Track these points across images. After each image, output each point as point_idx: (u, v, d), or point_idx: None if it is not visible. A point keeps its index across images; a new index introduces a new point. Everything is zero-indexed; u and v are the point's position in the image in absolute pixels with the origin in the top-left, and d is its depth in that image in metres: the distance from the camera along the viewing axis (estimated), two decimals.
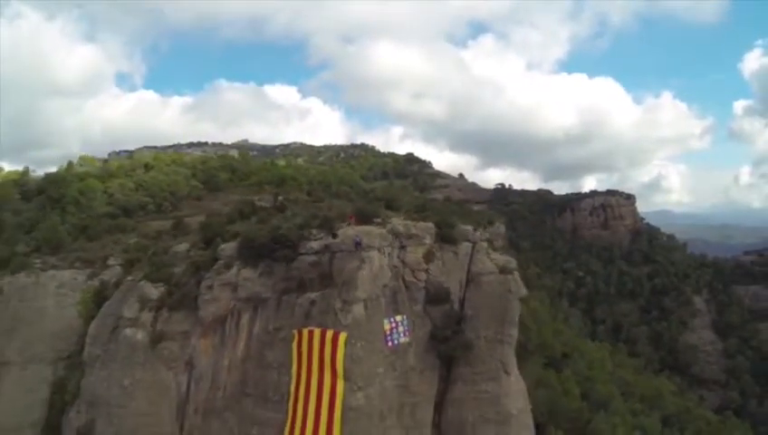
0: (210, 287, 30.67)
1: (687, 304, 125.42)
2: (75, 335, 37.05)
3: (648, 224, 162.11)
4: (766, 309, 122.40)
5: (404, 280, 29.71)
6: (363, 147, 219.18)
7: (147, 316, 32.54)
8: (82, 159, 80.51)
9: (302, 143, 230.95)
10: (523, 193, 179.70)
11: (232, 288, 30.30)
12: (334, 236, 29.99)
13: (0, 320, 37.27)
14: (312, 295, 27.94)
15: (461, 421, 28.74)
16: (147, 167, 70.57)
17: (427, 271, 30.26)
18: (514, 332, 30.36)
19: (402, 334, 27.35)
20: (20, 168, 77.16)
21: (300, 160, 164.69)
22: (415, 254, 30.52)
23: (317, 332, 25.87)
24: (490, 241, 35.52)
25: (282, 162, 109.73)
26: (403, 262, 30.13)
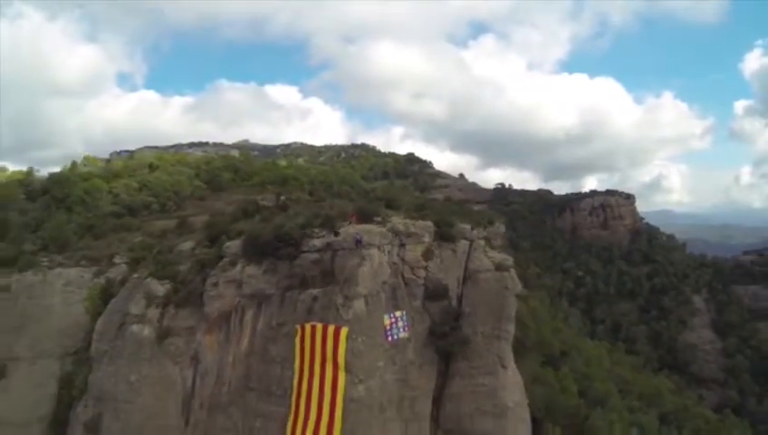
0: (215, 284, 31.39)
1: (687, 304, 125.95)
2: (82, 332, 37.58)
3: (647, 224, 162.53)
4: (765, 309, 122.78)
5: (403, 277, 30.36)
6: (364, 147, 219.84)
7: (153, 313, 33.24)
8: (86, 160, 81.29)
9: (302, 143, 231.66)
10: (523, 193, 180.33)
11: (236, 285, 31.00)
12: (336, 234, 30.63)
13: (8, 317, 37.66)
14: (315, 292, 28.60)
15: (459, 414, 29.45)
16: (150, 167, 71.41)
17: (425, 268, 30.92)
18: (511, 327, 31.07)
19: (402, 330, 28.09)
20: (22, 168, 77.91)
21: (300, 160, 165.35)
22: (414, 251, 31.18)
23: (319, 327, 26.69)
24: (487, 239, 36.26)
25: (283, 162, 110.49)
26: (402, 259, 30.79)
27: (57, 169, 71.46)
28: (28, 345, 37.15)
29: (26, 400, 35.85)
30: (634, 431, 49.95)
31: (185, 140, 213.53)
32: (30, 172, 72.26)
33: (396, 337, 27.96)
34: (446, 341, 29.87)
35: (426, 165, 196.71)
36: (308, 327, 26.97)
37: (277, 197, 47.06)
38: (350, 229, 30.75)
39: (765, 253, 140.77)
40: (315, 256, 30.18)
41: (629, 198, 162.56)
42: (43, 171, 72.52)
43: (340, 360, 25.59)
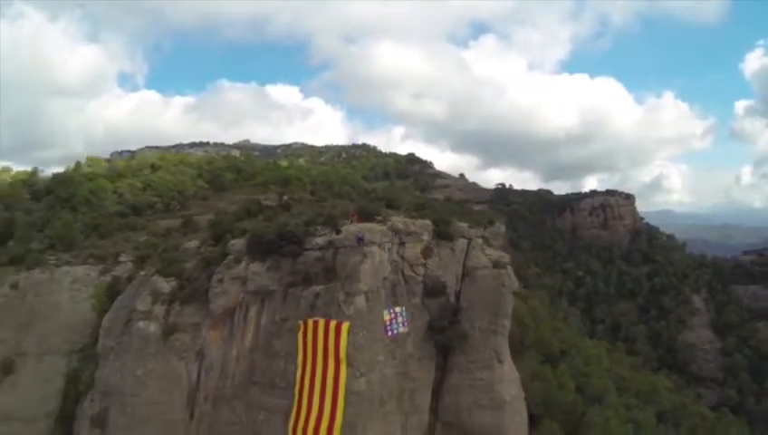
0: (221, 281, 32.12)
1: (686, 304, 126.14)
2: (89, 328, 38.27)
3: (647, 224, 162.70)
4: (765, 308, 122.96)
5: (403, 274, 31.03)
6: (365, 147, 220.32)
7: (159, 309, 33.94)
8: (90, 160, 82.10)
9: (303, 143, 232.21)
10: (524, 193, 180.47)
11: (241, 282, 31.72)
12: (338, 232, 31.32)
13: (16, 314, 38.46)
14: (317, 288, 29.32)
15: (457, 407, 30.12)
16: (153, 167, 72.29)
17: (424, 265, 31.59)
18: (507, 323, 31.75)
19: (401, 325, 28.62)
20: (23, 168, 78.94)
21: (301, 161, 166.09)
22: (413, 249, 31.86)
23: (321, 322, 27.30)
24: (485, 238, 36.97)
25: (284, 163, 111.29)
26: (402, 257, 31.46)
27: (59, 170, 72.60)
28: (36, 342, 37.86)
29: (34, 395, 36.48)
30: (630, 428, 50.64)
31: (186, 140, 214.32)
32: (34, 172, 73.17)
33: (396, 332, 28.48)
34: (444, 335, 30.53)
35: (426, 165, 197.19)
36: (310, 322, 27.56)
37: (280, 196, 47.87)
38: (351, 228, 31.43)
39: (765, 253, 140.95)
40: (318, 253, 30.87)
41: (629, 198, 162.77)
42: (45, 171, 73.57)
43: (342, 354, 26.18)
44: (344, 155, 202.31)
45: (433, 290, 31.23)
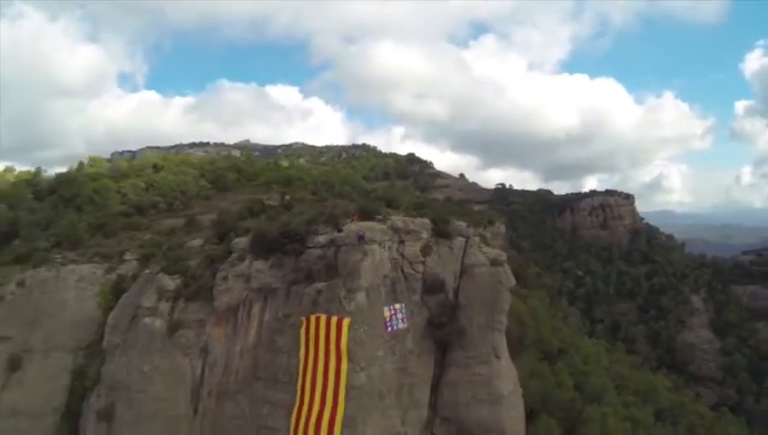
0: (225, 278, 32.68)
1: (685, 304, 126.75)
2: (95, 325, 38.63)
3: (647, 224, 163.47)
4: (764, 308, 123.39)
5: (403, 271, 31.49)
6: (365, 147, 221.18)
7: (164, 306, 34.44)
8: (92, 160, 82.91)
9: (303, 144, 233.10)
10: (524, 193, 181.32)
11: (245, 279, 32.26)
12: (339, 231, 31.85)
13: (23, 311, 38.77)
14: (319, 285, 29.84)
15: (455, 402, 30.59)
16: (155, 167, 73.05)
17: (423, 263, 32.05)
18: (504, 319, 32.25)
19: (401, 321, 29.41)
20: (24, 168, 79.69)
21: (301, 161, 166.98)
22: (413, 247, 32.31)
23: (323, 318, 28.17)
24: (483, 236, 37.58)
25: (284, 163, 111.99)
26: (402, 255, 31.91)
27: (59, 169, 73.34)
28: (42, 339, 38.16)
29: (40, 391, 36.79)
30: (628, 425, 51.19)
31: (186, 141, 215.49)
32: (38, 172, 73.81)
33: (395, 328, 29.27)
34: (442, 331, 31.03)
35: (426, 165, 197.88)
36: (312, 318, 28.44)
37: (282, 196, 48.57)
38: (352, 226, 31.92)
39: (764, 253, 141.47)
40: (319, 251, 31.39)
41: (629, 198, 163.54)
42: (48, 171, 74.32)
43: (343, 349, 27.09)
44: (344, 155, 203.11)
45: (432, 287, 31.72)
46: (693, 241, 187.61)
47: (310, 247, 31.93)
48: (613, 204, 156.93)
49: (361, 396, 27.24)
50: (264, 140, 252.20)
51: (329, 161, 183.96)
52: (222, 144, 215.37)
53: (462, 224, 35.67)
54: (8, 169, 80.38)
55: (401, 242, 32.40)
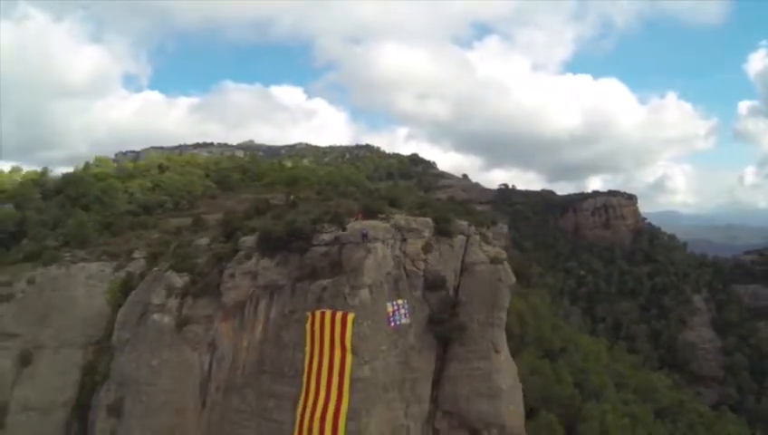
0: (232, 276, 33.50)
1: (687, 303, 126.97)
2: (104, 322, 39.44)
3: (649, 224, 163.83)
4: (765, 307, 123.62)
5: (405, 269, 32.29)
6: (368, 148, 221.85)
7: (173, 302, 35.28)
8: (98, 160, 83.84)
9: (307, 144, 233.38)
10: (527, 193, 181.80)
11: (251, 276, 33.09)
12: (343, 229, 32.71)
13: (34, 308, 39.49)
14: (324, 282, 30.63)
15: (456, 396, 31.33)
16: (161, 168, 73.89)
17: (425, 261, 32.83)
18: (504, 315, 32.93)
19: (403, 316, 30.16)
20: (28, 168, 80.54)
21: (306, 161, 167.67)
22: (415, 245, 33.12)
23: (328, 313, 28.97)
24: (483, 234, 38.33)
25: (289, 163, 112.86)
26: (404, 253, 32.72)
27: (64, 169, 74.22)
28: (53, 335, 38.91)
29: (51, 386, 37.59)
30: (627, 422, 51.81)
31: (190, 141, 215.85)
32: (44, 172, 74.72)
33: (398, 323, 30.05)
34: (443, 327, 31.82)
35: (430, 165, 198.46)
36: (318, 314, 29.26)
37: (287, 196, 49.42)
38: (356, 225, 32.75)
39: (766, 252, 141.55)
40: (324, 249, 32.18)
41: (631, 198, 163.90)
42: (54, 171, 75.32)
43: (348, 343, 27.90)
44: (348, 155, 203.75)
45: (433, 284, 32.45)
46: (697, 242, 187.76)
47: (315, 245, 32.73)
48: (616, 204, 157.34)
49: (366, 388, 28.01)
50: (268, 141, 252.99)
51: (333, 162, 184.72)
52: (226, 144, 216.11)
53: (463, 223, 36.47)
54: (15, 170, 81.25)
55: (404, 240, 33.17)
